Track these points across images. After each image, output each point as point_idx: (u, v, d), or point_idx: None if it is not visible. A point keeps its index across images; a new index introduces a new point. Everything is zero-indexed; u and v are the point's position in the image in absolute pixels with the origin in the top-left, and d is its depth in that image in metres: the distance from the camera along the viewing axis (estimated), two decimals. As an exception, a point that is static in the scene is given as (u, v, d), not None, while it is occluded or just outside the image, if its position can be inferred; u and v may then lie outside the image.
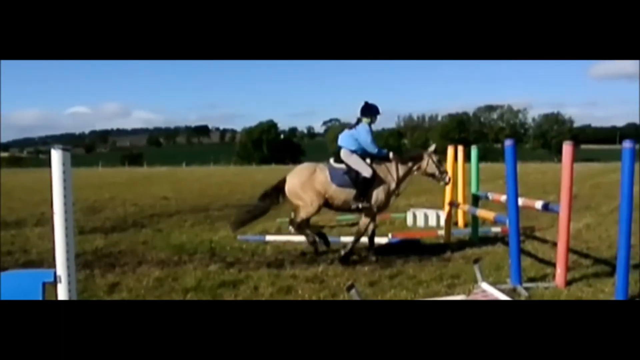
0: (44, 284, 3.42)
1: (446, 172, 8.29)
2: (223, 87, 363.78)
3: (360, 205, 7.66)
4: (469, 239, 9.17)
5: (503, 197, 7.08)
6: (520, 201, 6.77)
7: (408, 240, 8.97)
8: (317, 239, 8.02)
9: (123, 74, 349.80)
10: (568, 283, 6.10)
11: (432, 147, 8.20)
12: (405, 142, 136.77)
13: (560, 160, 6.29)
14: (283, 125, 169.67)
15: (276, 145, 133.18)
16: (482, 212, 8.37)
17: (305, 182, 7.75)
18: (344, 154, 7.83)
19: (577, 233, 9.66)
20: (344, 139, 7.88)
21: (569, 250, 6.40)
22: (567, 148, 6.12)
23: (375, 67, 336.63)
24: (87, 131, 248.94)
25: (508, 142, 6.24)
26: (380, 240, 8.84)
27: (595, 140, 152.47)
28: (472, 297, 5.35)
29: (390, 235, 9.04)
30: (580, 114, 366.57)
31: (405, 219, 11.36)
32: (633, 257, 6.63)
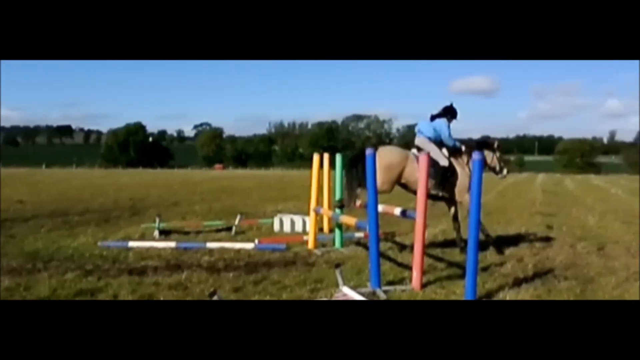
0: None
1: (505, 167, 9.03)
2: (88, 84, 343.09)
3: (440, 193, 8.11)
4: (333, 244, 9.39)
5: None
6: (380, 208, 7.06)
7: (274, 245, 9.03)
8: None
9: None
10: (424, 285, 6.42)
11: (497, 143, 8.86)
12: (275, 149, 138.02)
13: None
14: (151, 127, 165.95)
15: (144, 148, 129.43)
16: (345, 218, 8.62)
17: (390, 166, 7.98)
18: (422, 140, 8.42)
19: (434, 238, 10.21)
20: (424, 127, 8.47)
21: (425, 254, 6.76)
22: (422, 158, 6.47)
23: (247, 71, 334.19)
24: None
25: (369, 152, 6.47)
26: (246, 245, 8.86)
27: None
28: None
29: (257, 241, 9.07)
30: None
31: (272, 224, 11.45)
32: (481, 260, 7.13)
